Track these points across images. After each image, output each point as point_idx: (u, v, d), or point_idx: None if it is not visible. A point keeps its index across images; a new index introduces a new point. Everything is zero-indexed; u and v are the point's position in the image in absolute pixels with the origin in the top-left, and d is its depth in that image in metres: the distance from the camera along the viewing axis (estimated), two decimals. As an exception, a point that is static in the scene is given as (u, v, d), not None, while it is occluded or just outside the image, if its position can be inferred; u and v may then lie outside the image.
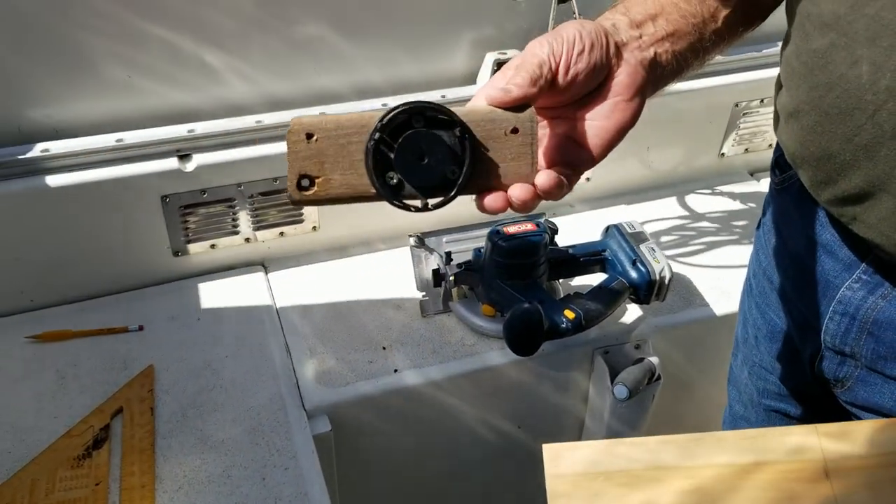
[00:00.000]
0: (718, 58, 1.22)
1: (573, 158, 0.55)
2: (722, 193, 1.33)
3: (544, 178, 0.51)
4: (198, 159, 1.01)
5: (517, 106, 0.50)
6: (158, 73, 0.99)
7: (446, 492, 1.15)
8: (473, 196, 0.51)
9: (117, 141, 0.98)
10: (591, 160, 0.55)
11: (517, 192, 0.50)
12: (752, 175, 1.39)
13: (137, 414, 0.90)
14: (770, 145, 1.38)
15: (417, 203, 0.49)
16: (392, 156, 0.48)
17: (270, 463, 0.85)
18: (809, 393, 0.75)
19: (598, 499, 0.50)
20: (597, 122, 0.54)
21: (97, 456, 0.85)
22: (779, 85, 0.66)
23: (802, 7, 0.58)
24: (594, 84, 0.54)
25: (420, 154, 0.48)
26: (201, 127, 1.01)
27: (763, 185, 1.36)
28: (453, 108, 0.49)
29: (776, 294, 0.75)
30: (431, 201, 0.49)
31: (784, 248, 0.73)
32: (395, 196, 0.49)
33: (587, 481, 0.50)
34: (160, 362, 0.96)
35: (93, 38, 0.94)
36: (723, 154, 1.35)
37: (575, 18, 0.78)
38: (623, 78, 0.54)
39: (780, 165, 0.73)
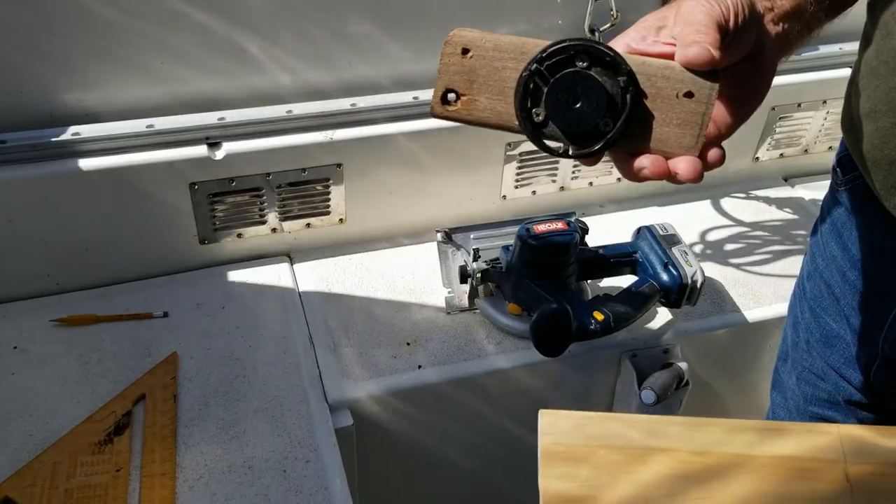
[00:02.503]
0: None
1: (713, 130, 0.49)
2: (756, 198, 1.30)
3: (716, 153, 0.46)
4: (227, 147, 1.00)
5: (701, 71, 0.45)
6: (191, 59, 0.99)
7: (466, 491, 1.14)
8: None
9: (147, 127, 0.97)
10: (725, 135, 0.50)
11: (684, 167, 0.45)
12: (786, 180, 1.37)
13: (160, 401, 0.89)
14: (806, 151, 1.35)
15: (560, 148, 0.45)
16: (544, 91, 0.44)
17: (292, 455, 0.84)
18: (861, 402, 0.73)
19: (586, 465, 0.49)
20: (740, 95, 0.48)
21: (118, 442, 0.84)
22: (852, 85, 0.64)
23: (886, 5, 0.56)
24: (740, 57, 0.47)
25: (574, 96, 0.44)
26: (231, 115, 1.01)
27: (798, 190, 1.33)
28: (625, 55, 0.45)
29: (833, 299, 0.73)
30: (573, 150, 0.45)
31: (844, 251, 0.71)
32: (536, 134, 0.45)
33: (579, 448, 0.50)
34: (184, 350, 0.96)
35: (126, 22, 0.93)
36: (757, 158, 1.33)
37: (612, 15, 0.76)
38: (769, 54, 0.49)
39: (843, 166, 0.70)
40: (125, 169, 0.97)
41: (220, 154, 1.00)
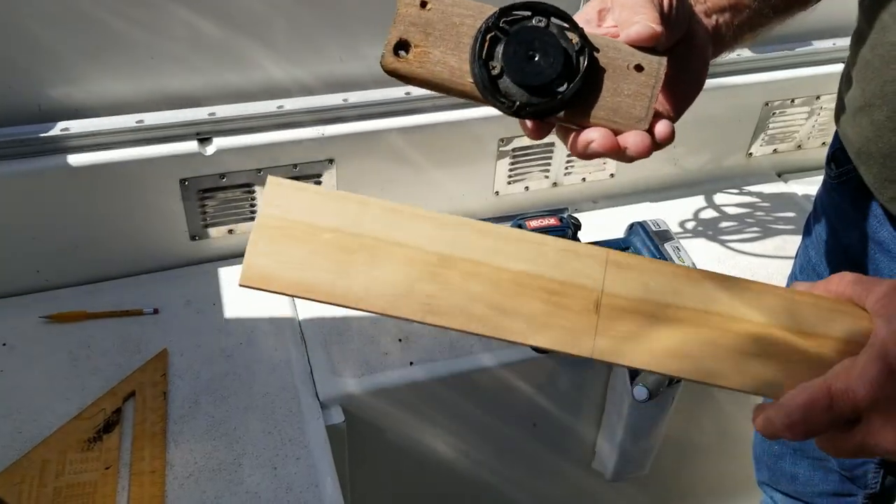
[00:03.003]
0: (749, 55, 1.22)
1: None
2: (749, 194, 1.30)
3: (666, 127, 0.45)
4: (218, 143, 1.00)
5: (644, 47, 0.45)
6: (181, 54, 0.98)
7: (458, 488, 1.14)
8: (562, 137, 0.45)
9: (137, 122, 0.97)
10: (674, 119, 0.50)
11: (633, 140, 0.44)
12: (779, 176, 1.36)
13: (150, 398, 0.89)
14: (799, 146, 1.35)
15: (512, 102, 0.44)
16: (502, 44, 0.44)
17: (283, 453, 0.84)
18: None
19: (303, 247, 0.43)
20: (679, 78, 0.49)
21: (108, 439, 0.84)
22: (846, 78, 0.64)
23: (884, 3, 0.55)
24: (677, 38, 0.48)
25: (532, 50, 0.44)
26: (222, 110, 1.00)
27: (791, 186, 1.33)
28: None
29: None
30: (527, 106, 0.44)
31: (837, 244, 0.71)
32: (491, 85, 0.44)
33: (300, 227, 0.43)
34: (174, 347, 0.95)
35: (115, 16, 0.92)
36: (750, 154, 1.33)
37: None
38: (701, 40, 0.50)
39: (836, 160, 0.70)
40: (114, 165, 0.96)
41: (210, 149, 0.99)
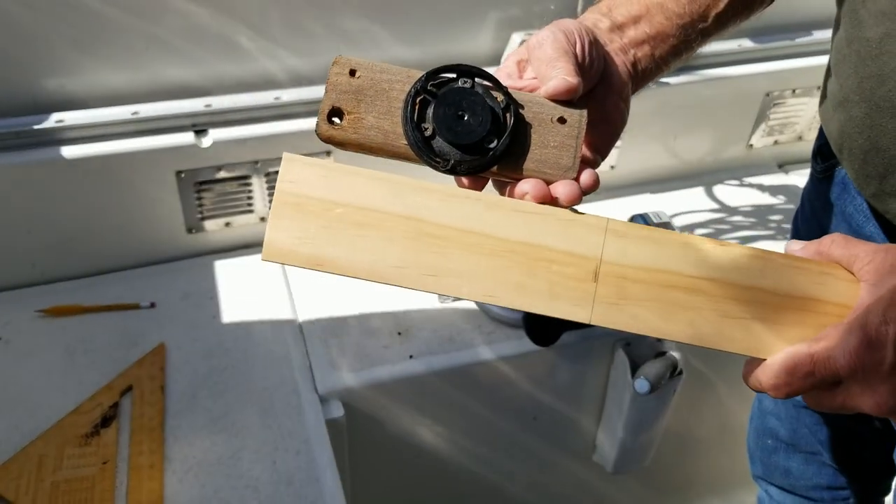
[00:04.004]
0: (750, 45, 1.21)
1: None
2: (750, 185, 1.29)
3: (590, 177, 0.47)
4: (214, 135, 0.99)
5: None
6: (176, 44, 0.97)
7: (459, 481, 1.13)
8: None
9: (133, 114, 0.96)
10: (598, 162, 0.52)
11: (563, 190, 0.46)
12: (780, 167, 1.36)
13: (147, 392, 0.88)
14: (800, 137, 1.34)
15: (447, 161, 0.46)
16: (432, 106, 0.46)
17: (282, 447, 0.83)
18: None
19: (318, 220, 0.44)
20: (600, 123, 0.51)
21: (105, 434, 0.83)
22: (828, 71, 0.63)
23: None
24: (595, 82, 0.51)
25: (461, 110, 0.46)
26: (219, 102, 0.99)
27: (792, 177, 1.33)
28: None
29: None
30: (460, 164, 0.46)
31: None
32: (425, 146, 0.46)
33: (314, 202, 0.45)
34: (172, 341, 0.94)
35: (110, 6, 0.91)
36: (751, 145, 1.32)
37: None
38: (618, 78, 0.52)
39: (823, 154, 0.70)
40: (110, 157, 0.95)
41: (207, 141, 0.98)
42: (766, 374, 0.45)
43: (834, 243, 0.46)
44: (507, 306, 0.45)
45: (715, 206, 1.25)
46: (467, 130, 0.46)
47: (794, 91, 1.26)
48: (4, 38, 0.90)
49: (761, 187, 1.29)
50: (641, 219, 1.03)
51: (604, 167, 1.22)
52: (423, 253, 0.45)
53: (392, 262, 0.45)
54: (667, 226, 1.01)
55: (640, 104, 1.19)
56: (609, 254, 0.46)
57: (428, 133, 0.46)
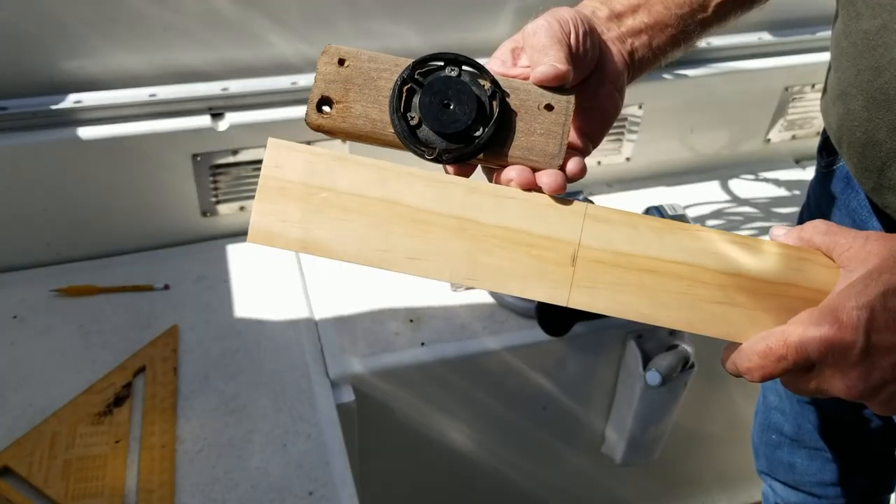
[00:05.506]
0: (769, 38, 1.20)
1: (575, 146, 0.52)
2: (766, 180, 1.28)
3: (576, 165, 0.48)
4: (231, 118, 0.99)
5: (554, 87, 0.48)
6: (194, 28, 0.97)
7: (467, 469, 1.13)
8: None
9: (150, 96, 0.96)
10: (589, 150, 0.52)
11: (547, 179, 0.47)
12: (797, 163, 1.35)
13: (160, 373, 0.88)
14: (818, 133, 1.33)
15: (433, 150, 0.47)
16: (418, 95, 0.46)
17: (293, 430, 0.84)
18: None
19: (303, 205, 0.45)
20: (593, 111, 0.51)
21: (118, 413, 0.84)
22: (829, 64, 0.63)
23: None
24: (590, 70, 0.51)
25: (447, 99, 0.46)
26: (235, 85, 0.99)
27: (808, 172, 1.31)
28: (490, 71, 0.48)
29: None
30: (448, 149, 0.47)
31: None
32: (411, 135, 0.47)
33: (299, 187, 0.46)
34: (185, 322, 0.95)
35: (129, -13, 0.92)
36: (768, 140, 1.31)
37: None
38: (613, 67, 0.52)
39: (827, 149, 0.69)
40: (126, 138, 0.95)
41: (223, 125, 0.99)
42: (741, 357, 0.46)
43: (815, 230, 0.47)
44: (487, 289, 0.47)
45: (730, 199, 1.24)
46: (452, 119, 0.46)
47: (813, 86, 1.25)
48: (26, 20, 0.90)
49: (777, 182, 1.28)
50: (656, 210, 1.03)
51: (619, 159, 1.23)
52: (405, 237, 0.46)
53: (375, 246, 0.46)
54: (682, 218, 1.01)
55: (657, 97, 1.20)
56: (588, 238, 0.47)
57: (414, 122, 0.46)
